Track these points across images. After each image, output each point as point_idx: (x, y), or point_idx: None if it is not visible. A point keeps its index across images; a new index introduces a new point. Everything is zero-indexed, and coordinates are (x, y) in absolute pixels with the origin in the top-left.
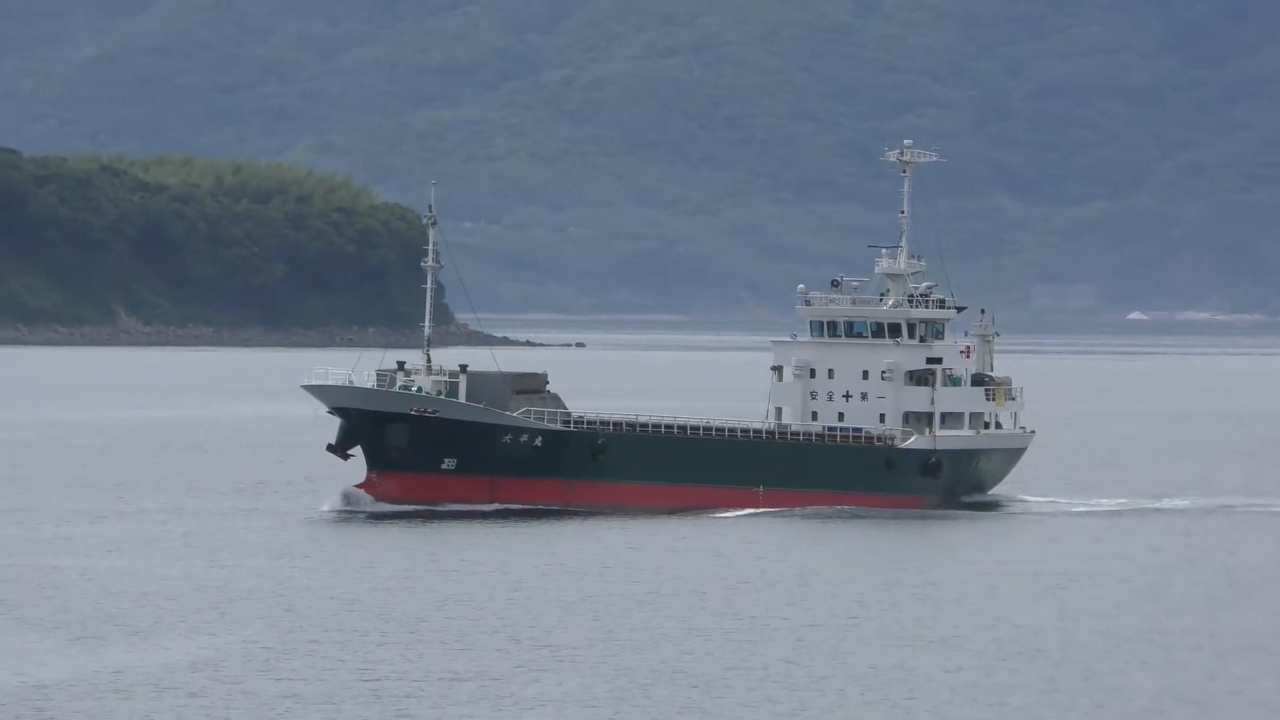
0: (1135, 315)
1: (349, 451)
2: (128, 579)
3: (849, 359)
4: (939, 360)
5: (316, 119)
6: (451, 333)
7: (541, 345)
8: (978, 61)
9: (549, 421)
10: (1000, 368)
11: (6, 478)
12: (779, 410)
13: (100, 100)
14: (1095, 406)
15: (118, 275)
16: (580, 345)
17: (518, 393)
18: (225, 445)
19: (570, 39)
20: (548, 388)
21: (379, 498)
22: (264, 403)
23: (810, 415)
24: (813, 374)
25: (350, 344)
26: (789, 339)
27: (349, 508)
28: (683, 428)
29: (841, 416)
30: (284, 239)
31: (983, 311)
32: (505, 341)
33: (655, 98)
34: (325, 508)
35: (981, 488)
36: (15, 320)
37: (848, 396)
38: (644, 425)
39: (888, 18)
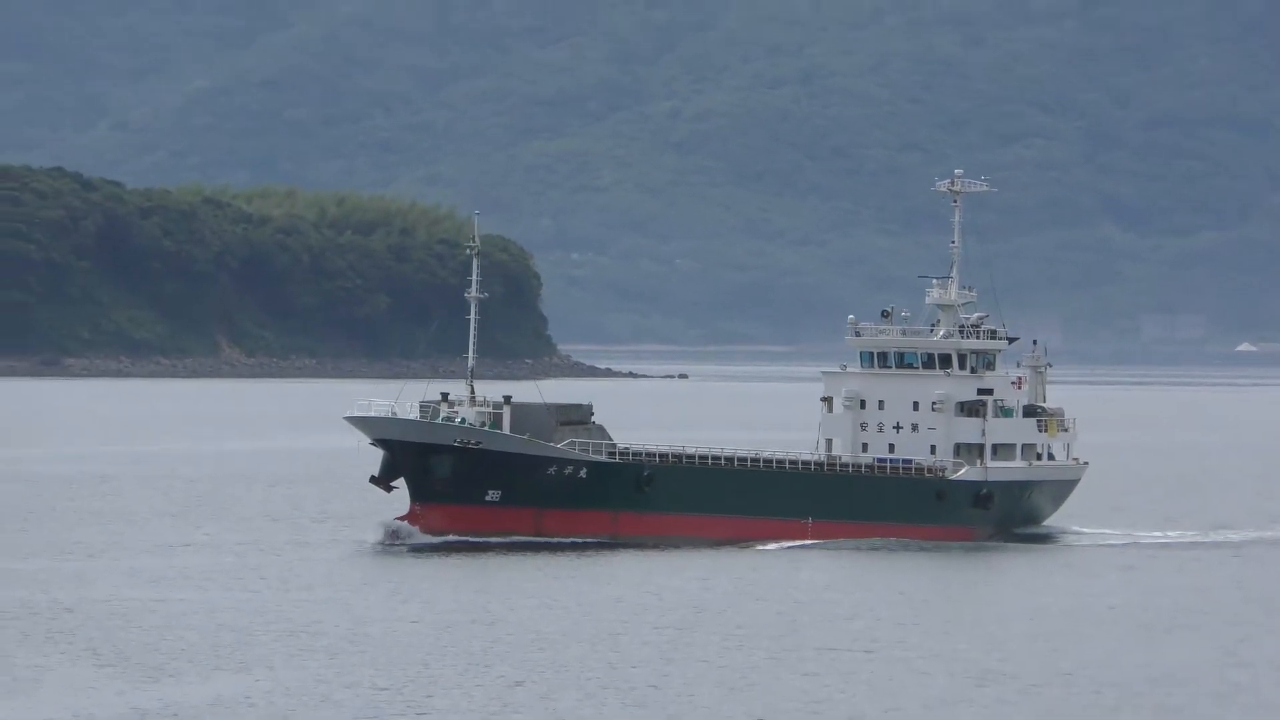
0: (1244, 347)
1: (392, 484)
2: (192, 612)
3: (899, 390)
4: (990, 391)
5: (424, 151)
6: (554, 364)
7: (644, 377)
8: (1086, 92)
9: (594, 453)
10: (1058, 398)
11: (95, 510)
12: (829, 441)
13: (209, 133)
14: (1158, 438)
15: (221, 307)
16: (683, 377)
17: (562, 424)
18: (317, 477)
19: (677, 70)
20: (593, 419)
21: (423, 530)
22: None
23: (860, 446)
24: (863, 405)
25: (453, 375)
26: (839, 369)
27: (393, 540)
28: (729, 459)
29: (892, 448)
30: (387, 271)
31: (1035, 342)
32: (608, 373)
33: (762, 128)
34: (369, 540)
35: (1035, 519)
36: (119, 352)
37: (898, 428)
38: (689, 456)
39: (995, 48)
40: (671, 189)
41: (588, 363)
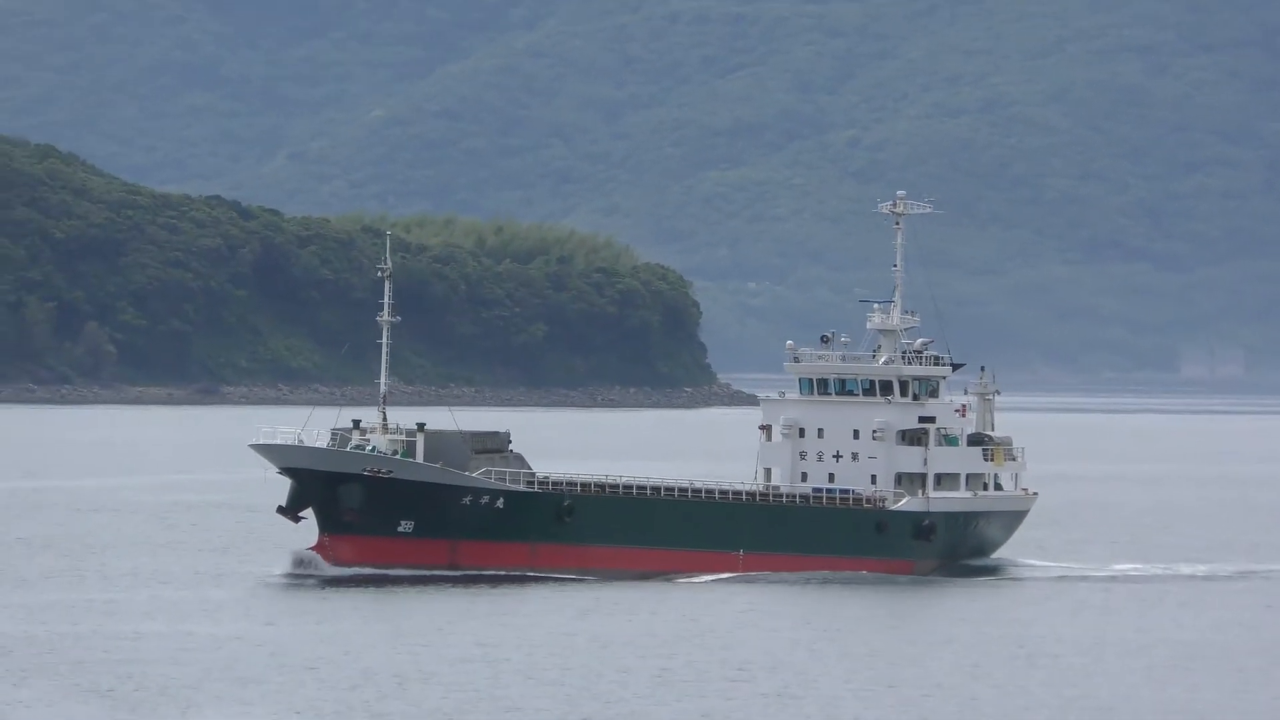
0: None
1: (300, 514)
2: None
3: (839, 418)
4: (932, 419)
5: (601, 181)
6: (714, 393)
7: None
8: (1269, 121)
9: (511, 482)
10: (1006, 426)
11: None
12: (768, 471)
13: (387, 163)
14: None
15: (379, 335)
16: None
17: (478, 452)
18: None
19: (856, 99)
20: (510, 447)
21: (332, 562)
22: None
23: (800, 476)
24: (802, 433)
25: (611, 404)
26: (777, 397)
27: (301, 571)
28: (656, 488)
29: (832, 477)
30: (545, 299)
31: (983, 369)
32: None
33: (942, 157)
34: (277, 571)
35: (982, 551)
36: (277, 380)
37: (838, 456)
38: (613, 486)
39: (1178, 77)
40: (849, 218)
41: (749, 391)
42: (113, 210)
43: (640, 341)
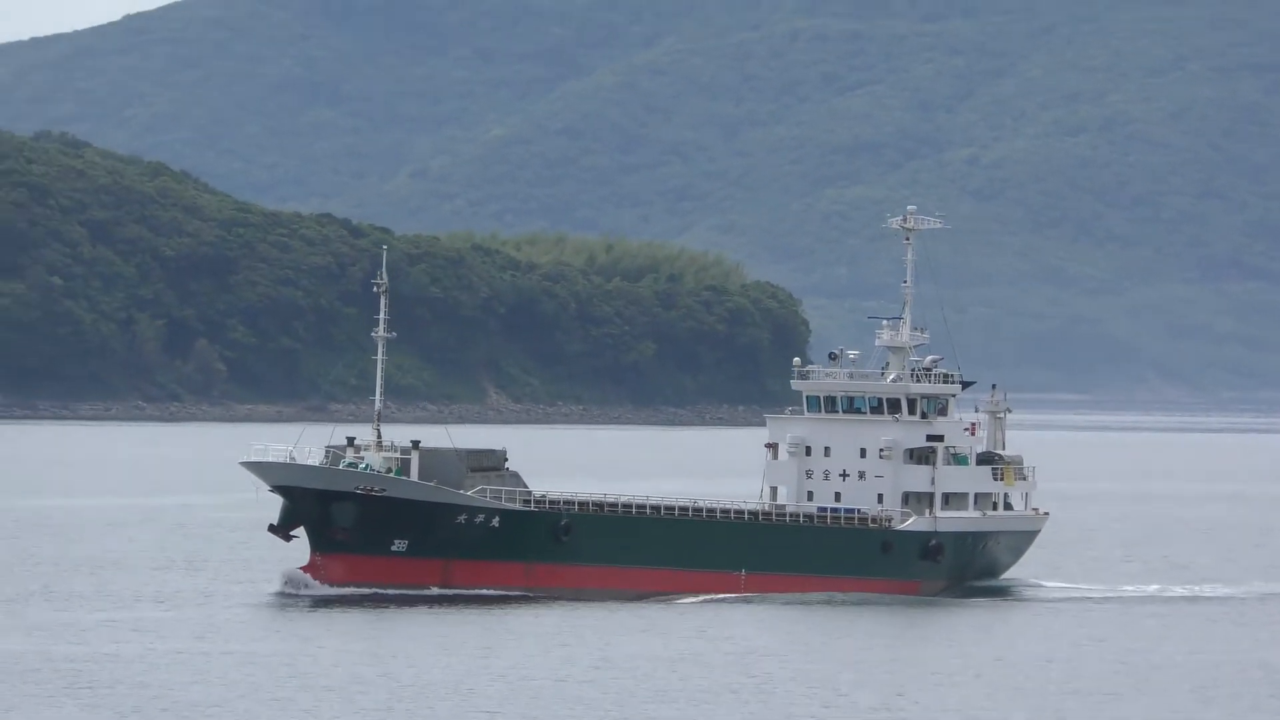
0: None
1: (292, 533)
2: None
3: (846, 436)
4: (940, 438)
5: (720, 199)
6: None
7: None
8: None
9: (507, 501)
10: (1020, 446)
11: None
12: (774, 490)
13: (508, 181)
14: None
15: (488, 353)
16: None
17: (473, 470)
18: None
19: (975, 117)
20: (507, 465)
21: (324, 581)
22: (636, 480)
23: (806, 495)
24: (808, 451)
25: (720, 422)
26: (785, 414)
27: (292, 590)
28: (655, 507)
29: (838, 496)
30: (654, 317)
31: (994, 386)
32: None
33: (1061, 176)
34: (269, 590)
35: (992, 572)
36: (386, 397)
37: (845, 475)
38: (611, 505)
39: None
40: (967, 236)
41: None
42: (223, 228)
43: (749, 360)
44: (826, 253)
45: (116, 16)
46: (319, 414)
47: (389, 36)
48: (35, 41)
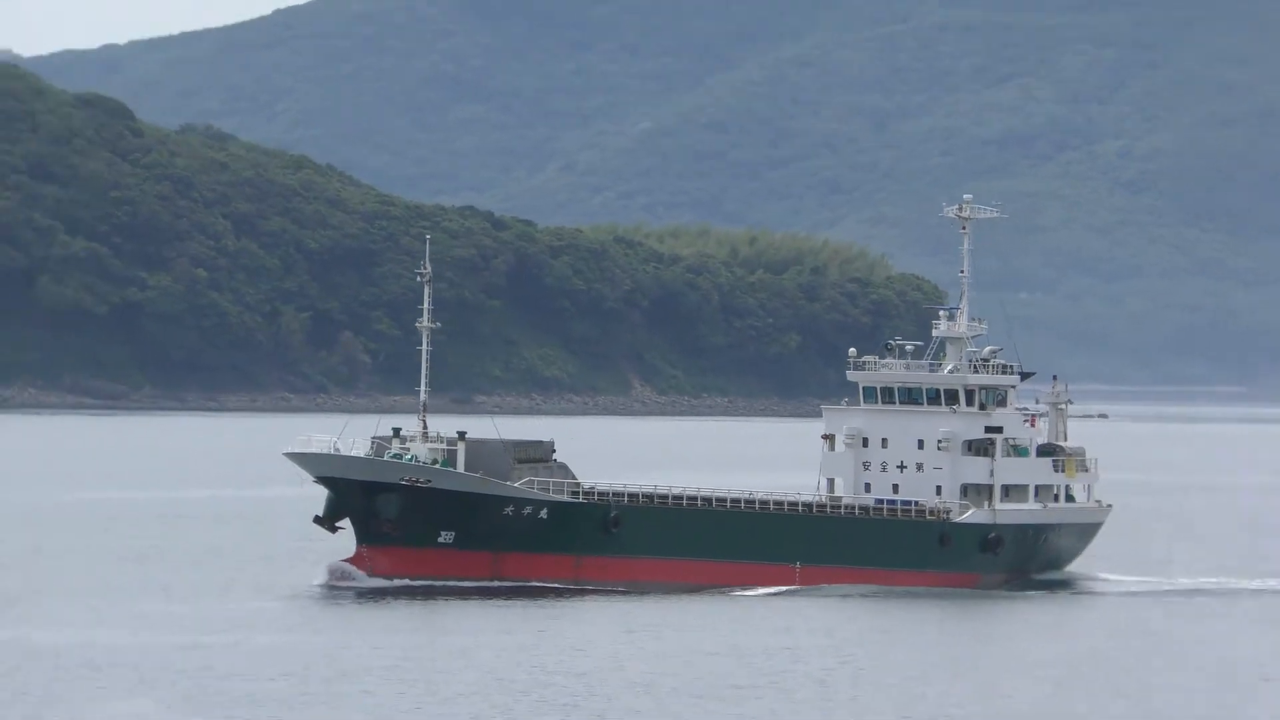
0: None
1: (338, 525)
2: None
3: (903, 427)
4: (999, 429)
5: (870, 191)
6: None
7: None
8: None
9: (555, 492)
10: (1082, 437)
11: None
12: (831, 482)
13: (656, 174)
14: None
15: (631, 345)
16: (1103, 416)
17: (520, 461)
18: None
19: (1128, 109)
20: (555, 456)
21: (370, 573)
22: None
23: (863, 487)
24: (865, 443)
25: None
26: (842, 405)
27: (339, 582)
28: (707, 499)
29: (896, 488)
30: (798, 310)
31: (1055, 378)
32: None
33: (1215, 168)
34: (315, 582)
35: (1056, 565)
36: (530, 389)
37: (902, 467)
38: (661, 497)
39: None
40: (1120, 229)
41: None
42: (366, 220)
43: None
44: (976, 245)
45: (266, 11)
46: (465, 406)
47: (536, 31)
48: (184, 36)
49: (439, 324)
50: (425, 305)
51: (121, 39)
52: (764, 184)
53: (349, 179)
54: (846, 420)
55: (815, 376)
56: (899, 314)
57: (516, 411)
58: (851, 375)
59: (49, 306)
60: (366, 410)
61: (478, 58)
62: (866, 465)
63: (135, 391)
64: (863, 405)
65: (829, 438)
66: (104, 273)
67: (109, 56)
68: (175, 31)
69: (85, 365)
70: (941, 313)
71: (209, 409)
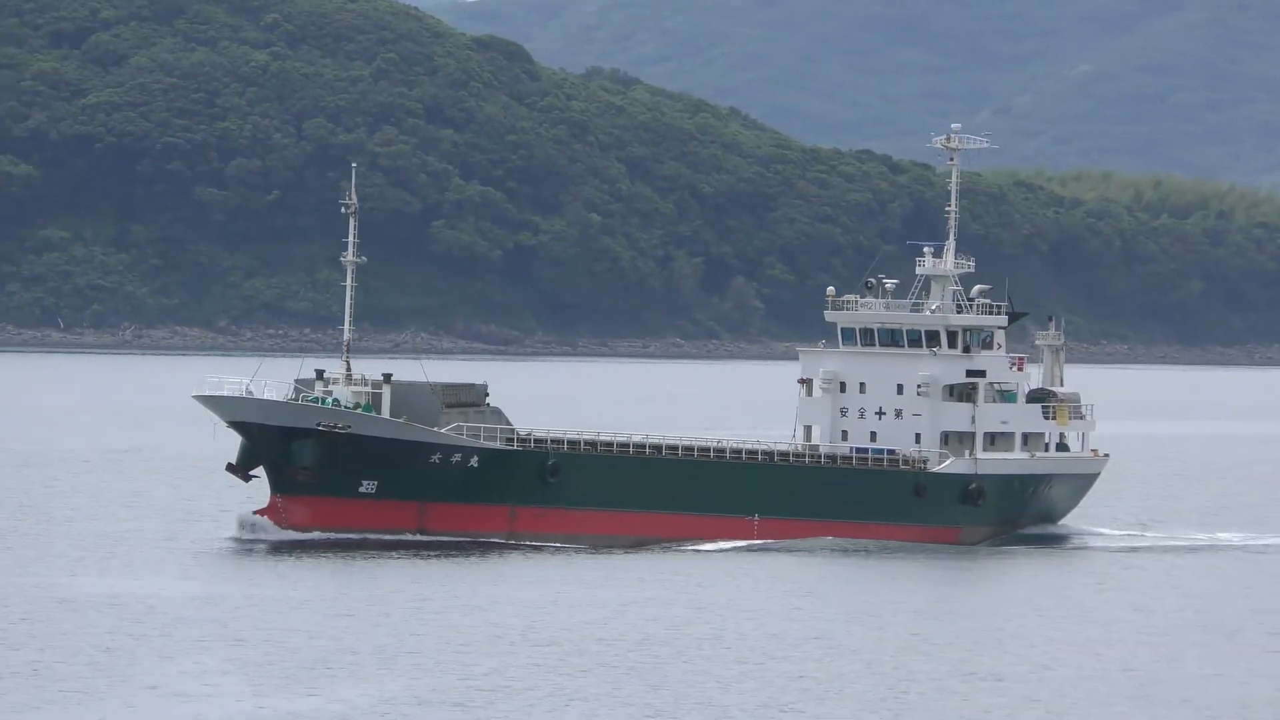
0: None
1: (251, 473)
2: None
3: (881, 371)
4: (982, 373)
5: None
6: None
7: None
8: None
9: (486, 439)
10: (1078, 382)
11: None
12: (808, 429)
13: (1092, 119)
14: None
15: (1030, 291)
16: None
17: (449, 406)
18: None
19: None
20: (488, 401)
21: (284, 525)
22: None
23: (840, 434)
24: (843, 388)
25: (1270, 363)
26: (818, 348)
27: (249, 535)
28: (655, 446)
29: (874, 436)
30: (1202, 255)
31: (1050, 319)
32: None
33: None
34: (224, 536)
35: (1048, 518)
36: None
37: (880, 414)
38: (604, 443)
39: None
40: None
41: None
42: (762, 165)
43: None
44: None
45: None
46: None
47: None
48: None
49: (364, 258)
50: (350, 238)
51: None
52: (1202, 129)
53: (750, 122)
54: (823, 363)
55: (1219, 324)
56: None
57: None
58: (829, 315)
59: (442, 251)
60: (757, 357)
61: (919, 2)
62: (844, 412)
63: (528, 336)
64: (841, 347)
65: (806, 382)
66: (498, 217)
67: (549, 3)
68: None
69: (478, 310)
70: (926, 249)
71: (600, 354)
